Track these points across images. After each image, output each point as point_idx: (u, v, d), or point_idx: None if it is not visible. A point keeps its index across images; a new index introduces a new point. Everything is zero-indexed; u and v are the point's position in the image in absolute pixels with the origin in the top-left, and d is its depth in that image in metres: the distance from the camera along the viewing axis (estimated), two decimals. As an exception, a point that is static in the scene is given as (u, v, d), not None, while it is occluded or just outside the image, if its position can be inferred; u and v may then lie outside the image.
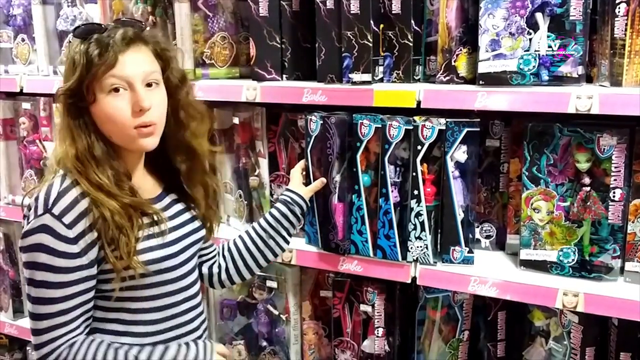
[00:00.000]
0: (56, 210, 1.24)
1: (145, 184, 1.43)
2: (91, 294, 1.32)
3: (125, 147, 1.35)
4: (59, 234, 1.24)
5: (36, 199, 1.27)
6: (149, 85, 1.33)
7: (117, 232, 1.27)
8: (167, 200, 1.47)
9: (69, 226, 1.25)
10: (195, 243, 1.49)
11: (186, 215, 1.48)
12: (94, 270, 1.30)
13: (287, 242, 1.67)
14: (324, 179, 1.70)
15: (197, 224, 1.50)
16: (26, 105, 2.30)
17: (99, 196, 1.27)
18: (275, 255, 1.67)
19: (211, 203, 1.54)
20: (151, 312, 1.39)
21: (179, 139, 1.44)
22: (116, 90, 1.29)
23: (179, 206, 1.49)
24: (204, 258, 1.65)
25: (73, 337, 1.29)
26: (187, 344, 1.41)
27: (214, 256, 1.67)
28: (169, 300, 1.41)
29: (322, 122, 1.67)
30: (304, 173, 1.75)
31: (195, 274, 1.51)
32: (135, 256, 1.30)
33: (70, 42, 1.36)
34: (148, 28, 1.43)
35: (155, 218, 1.37)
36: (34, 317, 1.28)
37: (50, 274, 1.25)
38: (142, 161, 1.43)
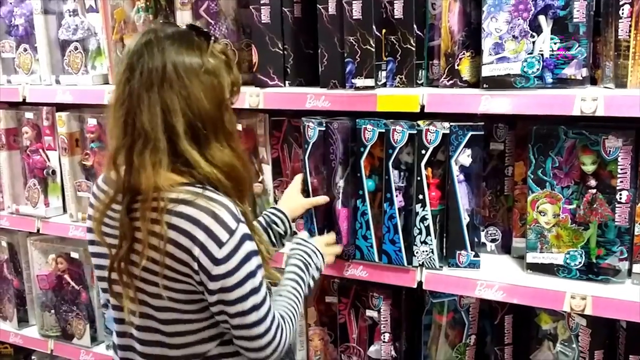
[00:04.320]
0: (240, 215, 1.23)
1: None
2: None
3: None
4: (251, 235, 1.24)
5: (220, 220, 1.19)
6: None
7: (255, 236, 1.28)
8: None
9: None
10: None
11: None
12: None
13: None
14: (326, 197, 1.69)
15: None
16: (29, 115, 2.30)
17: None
18: None
19: None
20: None
21: None
22: None
23: None
24: None
25: (279, 327, 1.30)
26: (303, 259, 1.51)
27: None
28: None
29: (321, 128, 1.67)
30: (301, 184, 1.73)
31: None
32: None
33: (185, 42, 1.24)
34: None
35: None
36: (264, 317, 1.25)
37: (262, 270, 1.26)
38: None
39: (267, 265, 1.34)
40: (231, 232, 1.19)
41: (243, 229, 1.21)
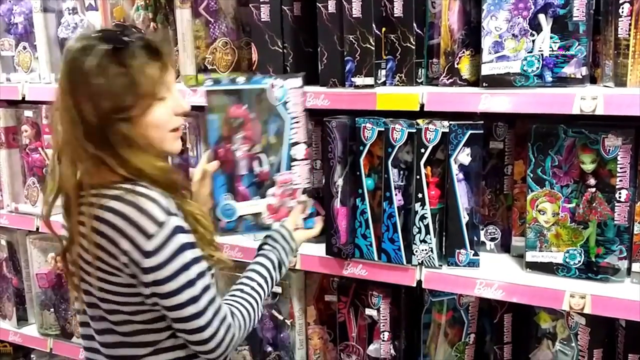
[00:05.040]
0: (172, 209, 1.24)
1: None
2: None
3: (162, 152, 1.34)
4: (185, 229, 1.25)
5: (146, 212, 1.20)
6: None
7: (195, 222, 1.29)
8: None
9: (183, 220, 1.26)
10: None
11: None
12: None
13: None
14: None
15: None
16: (28, 113, 2.30)
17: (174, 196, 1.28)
18: None
19: None
20: None
21: None
22: (163, 97, 1.29)
23: None
24: None
25: (225, 320, 1.29)
26: (268, 241, 1.49)
27: None
28: None
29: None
30: None
31: None
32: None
33: (88, 48, 1.24)
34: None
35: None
36: (203, 310, 1.25)
37: (201, 264, 1.26)
38: None
39: (218, 251, 1.36)
40: (159, 225, 1.20)
41: (174, 222, 1.22)
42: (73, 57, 1.24)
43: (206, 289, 1.26)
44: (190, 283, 1.23)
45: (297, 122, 1.56)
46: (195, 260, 1.25)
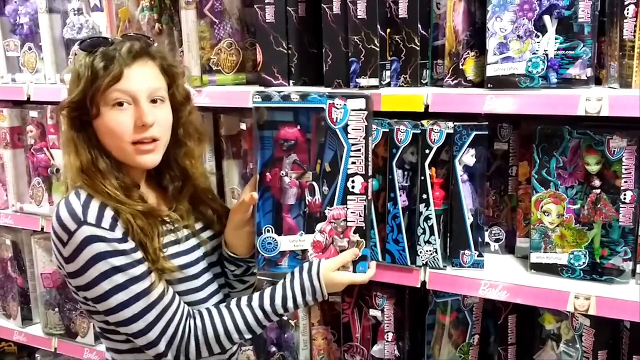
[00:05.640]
0: (90, 219, 1.23)
1: (150, 201, 1.41)
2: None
3: (126, 163, 1.34)
4: (107, 238, 1.23)
5: (60, 220, 1.23)
6: (154, 101, 1.32)
7: (142, 236, 1.27)
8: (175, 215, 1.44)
9: (111, 229, 1.24)
10: (213, 252, 1.48)
11: (199, 224, 1.48)
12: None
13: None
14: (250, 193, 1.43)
15: (211, 232, 1.49)
16: (34, 114, 2.31)
17: (115, 204, 1.26)
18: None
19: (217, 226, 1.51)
20: None
21: (173, 157, 1.42)
22: (120, 104, 1.28)
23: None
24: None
25: (180, 323, 1.29)
26: (292, 273, 1.41)
27: None
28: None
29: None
30: None
31: (216, 285, 1.47)
32: (163, 259, 1.30)
33: (76, 54, 1.33)
34: (156, 44, 1.41)
35: (170, 227, 1.37)
36: (141, 313, 1.25)
37: (121, 275, 1.23)
38: (144, 178, 1.42)
39: (164, 261, 1.31)
40: (70, 234, 1.22)
41: (87, 231, 1.22)
42: None
43: (144, 293, 1.25)
44: (119, 288, 1.23)
45: (357, 151, 1.39)
46: (121, 269, 1.24)
